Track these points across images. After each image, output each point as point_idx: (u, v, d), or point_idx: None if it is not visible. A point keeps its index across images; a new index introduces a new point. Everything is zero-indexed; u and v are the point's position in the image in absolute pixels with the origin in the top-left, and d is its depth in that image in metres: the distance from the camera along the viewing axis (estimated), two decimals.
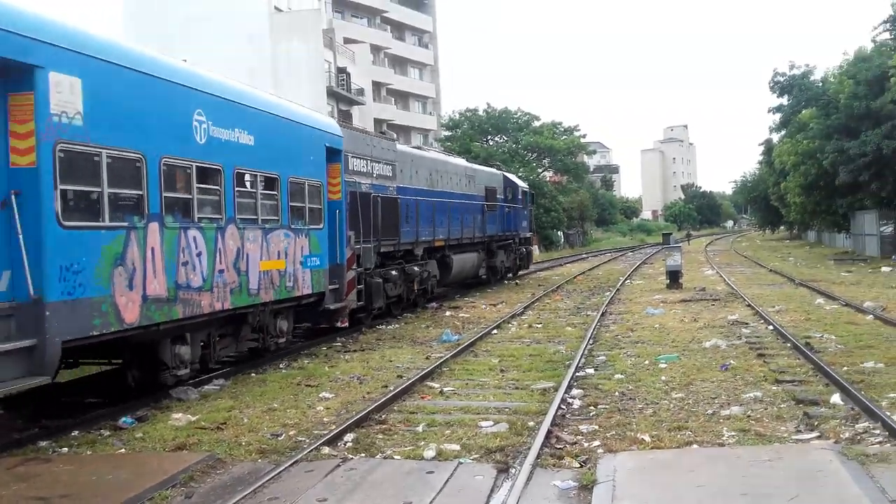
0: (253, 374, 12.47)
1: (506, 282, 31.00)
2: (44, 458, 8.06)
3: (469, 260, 26.34)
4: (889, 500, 5.89)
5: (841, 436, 7.90)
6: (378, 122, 57.46)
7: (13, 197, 7.90)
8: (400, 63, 71.67)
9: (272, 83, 40.15)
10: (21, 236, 7.84)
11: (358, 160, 17.73)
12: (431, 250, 22.77)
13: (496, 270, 30.14)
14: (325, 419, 9.40)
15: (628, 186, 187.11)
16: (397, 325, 18.29)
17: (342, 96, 51.45)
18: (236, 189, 11.66)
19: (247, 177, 12.32)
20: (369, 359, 13.61)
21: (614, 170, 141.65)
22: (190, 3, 44.63)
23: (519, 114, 72.32)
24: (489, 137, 71.95)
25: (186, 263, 10.40)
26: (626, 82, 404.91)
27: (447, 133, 70.20)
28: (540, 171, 66.01)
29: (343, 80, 52.03)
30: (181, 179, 10.52)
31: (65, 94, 8.36)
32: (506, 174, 33.39)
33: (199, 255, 10.70)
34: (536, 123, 72.40)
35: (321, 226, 14.61)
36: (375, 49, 64.34)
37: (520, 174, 42.79)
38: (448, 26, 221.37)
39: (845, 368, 11.08)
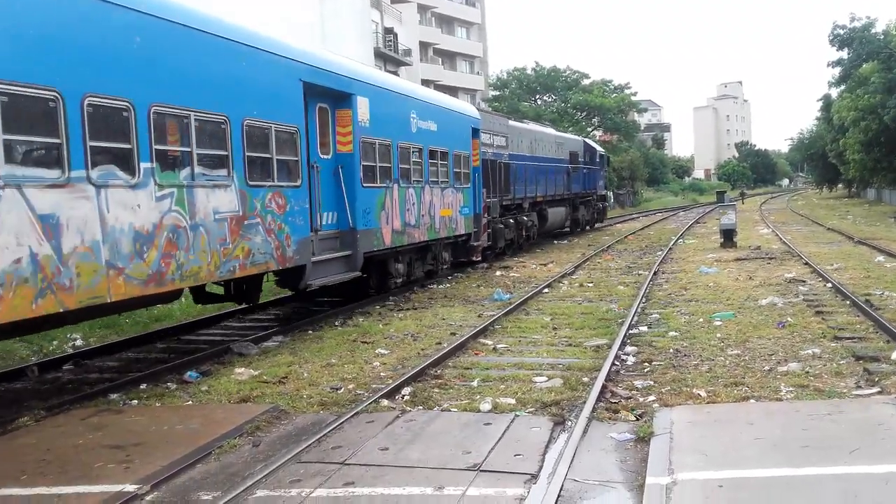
0: (310, 332, 12.74)
1: (588, 228, 37.77)
2: (115, 409, 8.41)
3: (559, 213, 31.82)
4: None
5: None
6: (425, 82, 57.22)
7: (340, 169, 13.79)
8: (447, 22, 71.00)
9: (321, 42, 40.22)
10: (344, 192, 13.75)
11: (486, 135, 22.64)
12: (533, 204, 28.31)
13: (578, 222, 36.18)
14: (381, 374, 9.59)
15: (680, 145, 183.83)
16: (448, 285, 18.42)
17: (389, 57, 51.32)
18: (429, 161, 17.46)
19: (433, 152, 17.76)
20: (422, 317, 13.78)
21: (666, 128, 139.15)
22: None
23: (568, 72, 71.37)
24: (537, 97, 71.22)
25: (408, 210, 16.31)
26: (679, 38, 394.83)
27: (495, 93, 69.65)
28: (589, 130, 65.24)
29: (390, 40, 51.85)
30: (404, 155, 16.20)
31: (363, 110, 14.22)
32: (585, 140, 39.13)
33: (413, 205, 16.64)
34: (586, 82, 71.40)
35: (469, 185, 20.20)
36: (422, 8, 63.83)
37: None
38: None
39: None
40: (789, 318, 11.95)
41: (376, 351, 10.94)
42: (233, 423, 7.44)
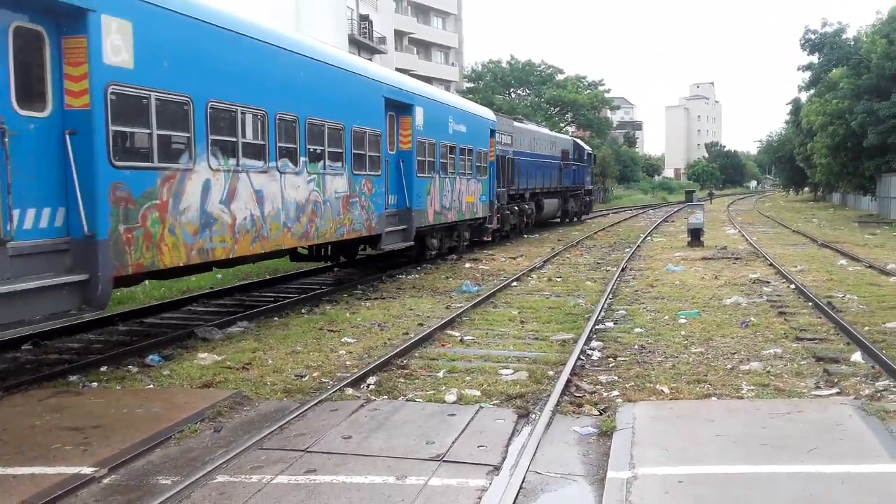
0: (276, 319, 12.65)
1: (575, 220, 41.79)
2: (74, 391, 8.27)
3: (553, 204, 36.16)
4: None
5: (861, 393, 7.94)
6: (399, 71, 57.00)
7: (401, 162, 17.42)
8: (423, 12, 70.72)
9: (294, 28, 39.85)
10: (404, 180, 17.50)
11: (497, 134, 26.24)
12: (532, 195, 32.16)
13: (568, 213, 40.24)
14: (347, 363, 9.55)
15: (651, 144, 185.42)
16: (417, 276, 18.40)
17: (364, 44, 51.01)
18: (459, 156, 21.33)
19: (461, 149, 21.62)
20: (390, 307, 13.74)
21: (638, 126, 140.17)
22: None
23: (542, 67, 71.54)
24: (511, 90, 71.30)
25: (444, 196, 20.13)
26: (654, 37, 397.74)
27: (469, 85, 69.60)
28: (562, 125, 65.44)
29: (365, 28, 51.54)
30: (443, 152, 20.00)
31: (419, 117, 18.01)
32: (575, 140, 43.47)
33: (448, 192, 20.41)
34: (560, 77, 71.62)
35: (486, 177, 24.25)
36: None
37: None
38: None
39: (867, 328, 11.07)
40: (753, 318, 12.10)
41: (342, 339, 10.88)
42: (194, 408, 7.36)
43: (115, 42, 8.60)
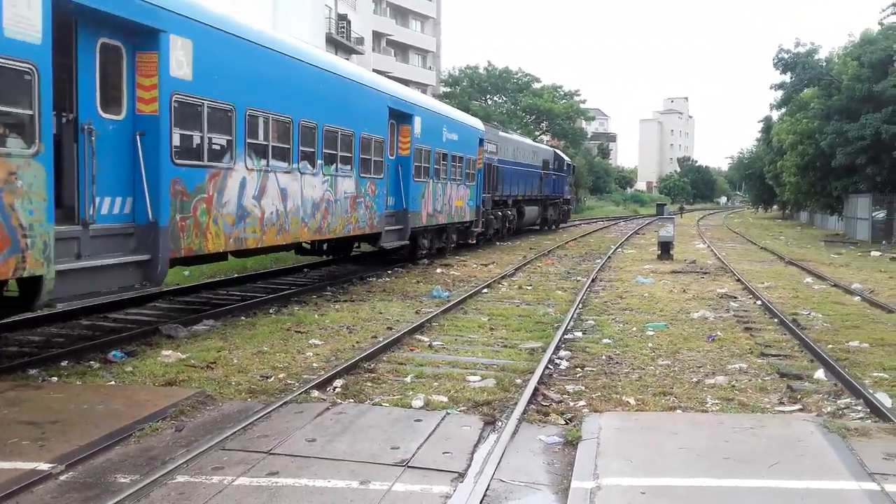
0: (243, 318, 12.52)
1: (554, 228, 43.60)
2: (34, 385, 8.11)
3: (533, 211, 37.67)
4: (868, 472, 6.00)
5: (823, 410, 8.04)
6: (376, 73, 56.90)
7: (399, 167, 18.88)
8: (402, 14, 70.67)
9: (271, 25, 39.59)
10: (401, 183, 18.85)
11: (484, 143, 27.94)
12: (515, 202, 33.84)
13: (547, 221, 42.00)
14: (314, 365, 9.47)
15: (625, 156, 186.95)
16: (388, 279, 18.33)
17: (341, 44, 50.84)
18: (451, 163, 22.79)
19: (453, 156, 23.08)
20: (359, 309, 13.66)
21: (612, 138, 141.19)
22: None
23: (519, 74, 71.77)
24: (488, 96, 71.46)
25: (437, 200, 21.43)
26: (630, 50, 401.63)
27: (446, 89, 69.66)
28: (537, 134, 65.71)
29: (343, 27, 51.38)
30: (437, 159, 21.43)
31: (417, 126, 19.46)
32: (555, 150, 45.24)
33: (440, 196, 21.76)
34: (536, 86, 71.90)
35: (474, 183, 25.74)
36: None
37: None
38: None
39: (830, 346, 11.22)
40: (719, 333, 12.21)
41: (310, 341, 10.79)
42: (156, 406, 7.24)
43: (179, 57, 10.10)
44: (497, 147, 30.37)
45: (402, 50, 69.96)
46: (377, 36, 62.59)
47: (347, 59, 50.91)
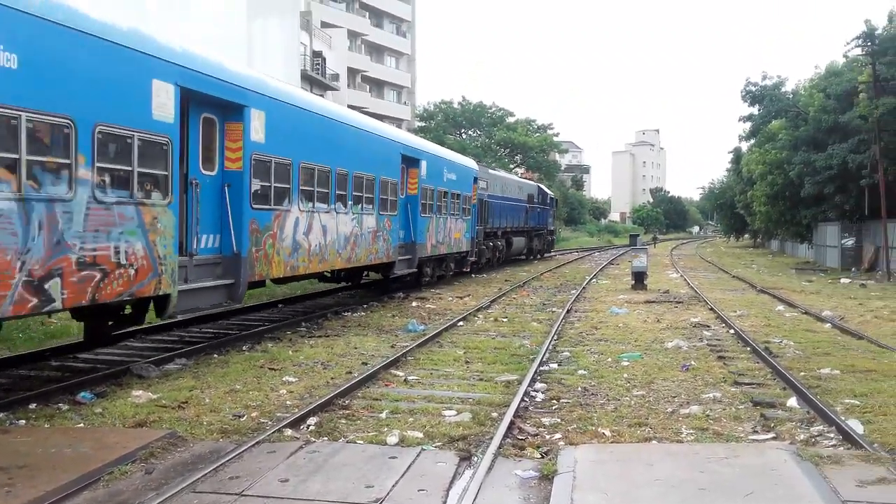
0: (215, 356, 12.38)
1: (539, 257, 46.40)
2: (1, 429, 7.94)
3: (520, 242, 40.53)
4: (841, 499, 6.03)
5: (796, 438, 8.08)
6: (352, 108, 57.18)
7: (408, 204, 21.53)
8: (377, 50, 71.33)
9: (246, 61, 39.75)
10: (410, 218, 21.59)
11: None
12: (503, 233, 36.56)
13: (532, 250, 44.61)
14: (287, 402, 9.37)
15: (598, 187, 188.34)
16: (363, 313, 18.26)
17: (316, 80, 51.11)
18: (451, 200, 25.81)
19: (452, 193, 26.05)
20: (333, 345, 13.58)
21: (585, 170, 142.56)
22: None
23: (493, 109, 72.49)
24: (462, 131, 72.03)
25: (439, 232, 24.31)
26: (602, 84, 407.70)
27: (421, 124, 70.13)
28: (512, 167, 66.22)
29: (318, 64, 51.69)
30: (440, 196, 24.47)
31: (423, 168, 22.48)
32: (539, 185, 48.03)
33: (442, 229, 24.63)
34: (510, 119, 72.63)
35: (470, 217, 28.83)
36: (353, 35, 63.98)
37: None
38: (427, 16, 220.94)
39: (802, 373, 11.31)
40: (693, 362, 12.27)
41: (283, 378, 10.69)
42: (125, 449, 7.10)
43: (256, 126, 12.89)
44: (487, 183, 33.31)
45: (377, 86, 70.50)
46: (352, 72, 63.05)
47: (322, 94, 51.21)
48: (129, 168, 9.76)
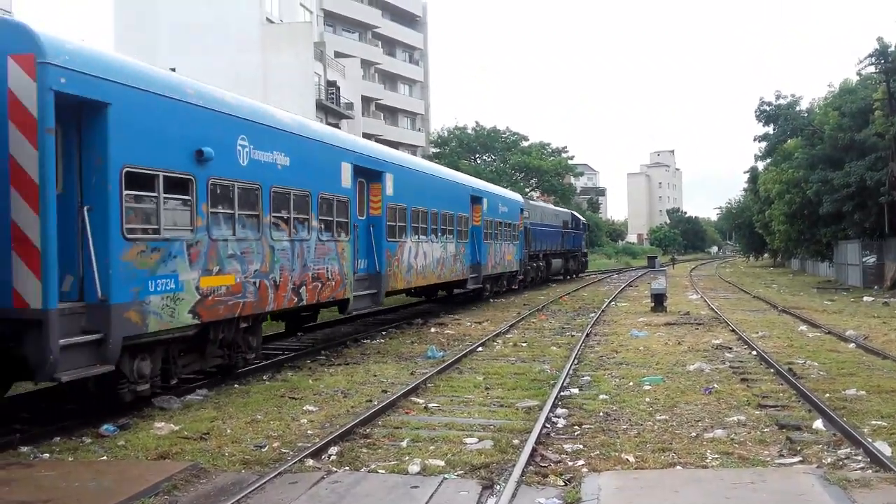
0: (236, 386, 12.40)
1: (573, 277, 51.01)
2: (25, 463, 7.99)
3: (558, 262, 46.07)
4: None
5: (823, 461, 7.96)
6: (367, 136, 57.56)
7: (473, 232, 27.06)
8: (390, 79, 71.94)
9: (262, 94, 40.20)
10: (476, 244, 27.21)
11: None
12: (543, 255, 41.82)
13: (569, 270, 49.66)
14: (308, 432, 9.36)
15: (615, 209, 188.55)
16: (382, 340, 18.26)
17: (331, 110, 51.55)
18: (504, 228, 31.11)
19: (505, 223, 31.46)
20: (353, 373, 13.58)
21: (601, 192, 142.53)
22: (181, 11, 44.70)
23: (507, 133, 72.76)
24: (477, 156, 72.30)
25: (497, 254, 30.24)
26: (616, 106, 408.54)
27: (435, 150, 70.48)
28: (527, 190, 66.30)
29: (333, 93, 52.14)
30: (496, 226, 29.79)
31: (485, 205, 28.48)
32: (573, 212, 53.76)
33: (500, 251, 30.64)
34: (525, 144, 72.84)
35: (518, 241, 34.40)
36: (366, 64, 64.56)
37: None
38: (439, 44, 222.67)
39: (828, 395, 11.17)
40: (716, 385, 12.15)
41: (304, 407, 10.69)
42: (148, 481, 7.12)
43: (388, 184, 18.45)
44: (529, 213, 38.28)
45: (391, 113, 71.02)
46: (366, 100, 63.54)
47: (337, 123, 51.68)
48: (331, 218, 15.40)
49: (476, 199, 27.43)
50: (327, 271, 15.11)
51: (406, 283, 20.44)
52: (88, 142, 9.23)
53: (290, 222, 13.54)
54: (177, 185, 10.49)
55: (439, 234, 22.89)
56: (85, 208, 9.13)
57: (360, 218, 17.26)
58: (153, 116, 10.10)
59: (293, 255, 13.67)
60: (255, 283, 12.31)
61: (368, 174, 17.67)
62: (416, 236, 20.78)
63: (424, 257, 21.54)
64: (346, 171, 16.11)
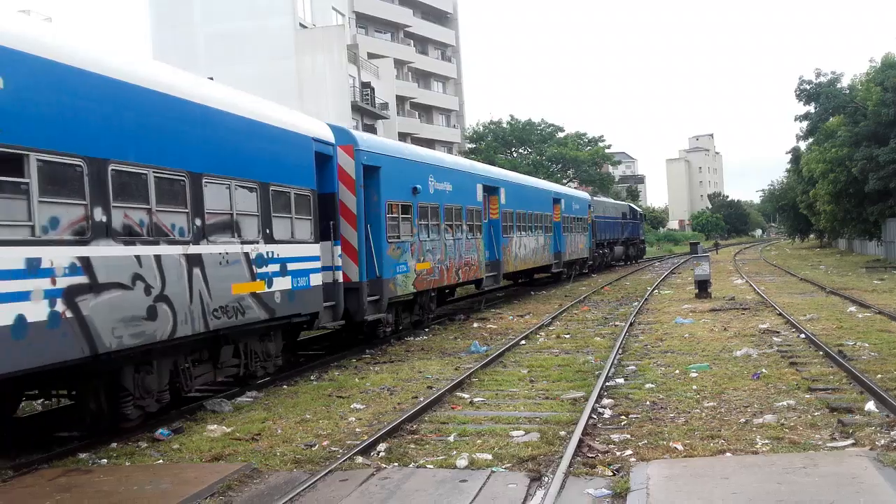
0: (285, 387, 12.61)
1: (633, 263, 55.61)
2: (84, 469, 8.23)
3: (619, 250, 52.12)
4: None
5: (876, 443, 7.85)
6: (402, 135, 57.78)
7: (554, 228, 34.00)
8: (423, 77, 72.04)
9: (297, 99, 40.59)
10: (556, 237, 34.01)
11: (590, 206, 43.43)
12: (607, 243, 47.84)
13: (629, 256, 55.69)
14: (357, 430, 9.49)
15: (654, 196, 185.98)
16: (425, 337, 18.37)
17: (367, 111, 51.86)
18: (577, 222, 38.27)
19: (576, 218, 37.86)
20: (399, 370, 13.70)
21: (640, 180, 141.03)
22: (215, 19, 45.37)
23: (542, 125, 72.40)
24: (513, 149, 72.09)
25: (571, 244, 36.83)
26: (651, 92, 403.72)
27: (471, 145, 70.43)
28: (564, 182, 65.93)
29: (367, 94, 52.42)
30: (571, 220, 36.90)
31: (563, 205, 35.23)
32: (630, 204, 61.12)
33: (573, 241, 37.45)
34: (560, 135, 72.41)
35: (587, 232, 40.81)
36: (399, 63, 64.74)
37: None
38: (471, 39, 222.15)
39: (879, 376, 10.98)
40: (764, 370, 12.01)
41: (352, 406, 10.83)
42: (204, 483, 7.31)
43: (502, 195, 25.68)
44: (594, 208, 44.11)
45: (425, 111, 71.13)
46: (401, 100, 63.74)
47: (373, 124, 51.95)
48: (472, 223, 22.54)
49: (556, 201, 34.31)
50: (472, 259, 22.41)
51: (514, 268, 27.46)
52: (370, 188, 16.11)
53: (452, 227, 20.90)
54: (405, 209, 17.74)
55: (533, 230, 29.79)
56: (368, 226, 15.85)
57: (485, 221, 24.10)
58: (396, 170, 17.29)
59: (455, 249, 21.02)
60: (438, 267, 19.69)
61: (490, 189, 24.75)
62: (520, 233, 27.92)
63: (525, 248, 28.61)
64: (479, 189, 23.56)
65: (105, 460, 8.58)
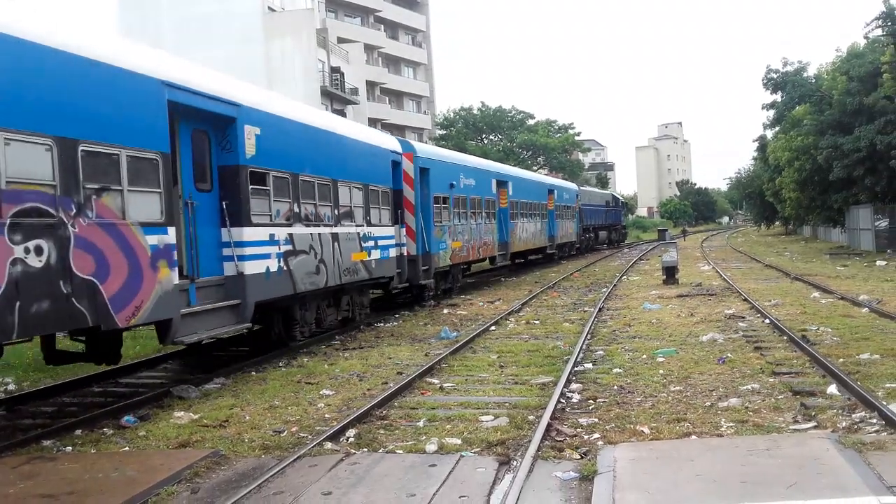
0: (253, 373, 12.54)
1: (615, 247, 60.33)
2: (48, 456, 8.12)
3: (603, 234, 57.47)
4: (886, 486, 5.98)
5: (838, 425, 7.99)
6: (372, 121, 57.46)
7: (548, 214, 39.03)
8: (394, 62, 71.70)
9: (266, 83, 40.17)
10: (549, 222, 39.34)
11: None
12: (592, 229, 52.95)
13: (612, 241, 60.55)
14: (326, 416, 9.47)
15: (623, 183, 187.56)
16: (395, 323, 18.36)
17: (336, 96, 51.50)
18: (566, 209, 43.59)
19: (566, 206, 43.32)
20: (368, 356, 13.68)
21: (609, 167, 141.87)
22: (182, 2, 44.70)
23: (513, 112, 72.46)
24: (483, 136, 72.07)
25: (561, 228, 41.85)
26: (620, 80, 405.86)
27: (441, 132, 70.30)
28: (535, 168, 66.10)
29: (337, 79, 52.06)
30: (562, 209, 42.51)
31: (555, 196, 40.43)
32: (613, 193, 67.27)
33: (563, 227, 42.78)
34: (531, 122, 72.56)
35: (575, 219, 46.21)
36: (369, 48, 64.36)
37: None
38: (442, 26, 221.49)
39: (841, 360, 11.19)
40: (729, 354, 12.18)
41: (321, 392, 10.80)
42: (171, 470, 7.24)
43: (510, 188, 31.03)
44: (581, 196, 48.67)
45: (396, 97, 70.84)
46: (371, 85, 63.40)
47: (343, 109, 51.58)
48: (489, 210, 27.66)
49: (550, 191, 39.10)
50: (489, 240, 27.50)
51: (518, 248, 32.14)
52: (423, 184, 21.03)
53: (475, 214, 25.96)
54: (444, 200, 22.67)
55: (532, 217, 34.83)
56: (420, 213, 20.59)
57: (498, 209, 28.68)
58: (440, 170, 22.37)
59: (477, 231, 26.07)
60: (466, 246, 24.74)
61: (501, 183, 29.73)
62: (523, 219, 32.72)
63: (526, 232, 33.41)
64: (494, 183, 28.88)
65: (70, 447, 8.47)
